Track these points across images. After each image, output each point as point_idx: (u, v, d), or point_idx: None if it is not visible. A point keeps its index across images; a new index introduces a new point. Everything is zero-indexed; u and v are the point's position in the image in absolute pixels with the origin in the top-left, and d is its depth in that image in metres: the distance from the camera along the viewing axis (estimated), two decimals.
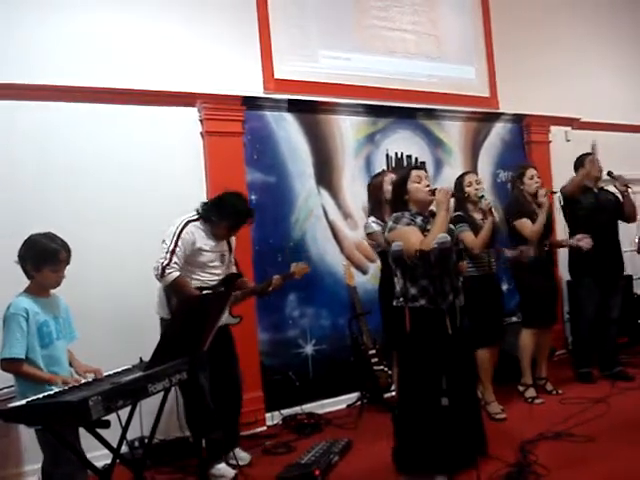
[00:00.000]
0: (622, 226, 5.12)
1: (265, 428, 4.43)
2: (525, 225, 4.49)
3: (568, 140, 6.20)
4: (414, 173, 3.37)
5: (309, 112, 4.92)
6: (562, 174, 5.19)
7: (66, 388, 2.42)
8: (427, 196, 3.31)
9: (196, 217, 3.61)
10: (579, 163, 4.97)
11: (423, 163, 5.38)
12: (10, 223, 3.60)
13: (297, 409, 4.60)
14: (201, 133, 4.46)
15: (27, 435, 3.21)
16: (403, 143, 5.39)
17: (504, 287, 4.72)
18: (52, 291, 2.85)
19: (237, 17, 4.68)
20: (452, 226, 3.64)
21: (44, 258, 2.73)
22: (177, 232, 3.49)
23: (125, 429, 2.61)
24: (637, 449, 3.36)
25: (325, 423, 4.41)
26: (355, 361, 4.83)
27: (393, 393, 4.58)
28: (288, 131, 4.82)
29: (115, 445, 2.51)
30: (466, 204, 4.27)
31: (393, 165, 5.27)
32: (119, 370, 2.69)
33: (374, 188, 4.24)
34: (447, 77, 5.71)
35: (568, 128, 6.27)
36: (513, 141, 6.05)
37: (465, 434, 3.19)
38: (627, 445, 3.43)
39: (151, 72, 4.29)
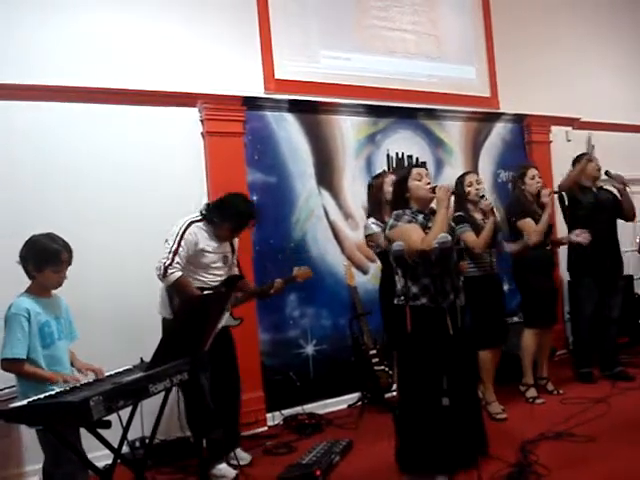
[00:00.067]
0: (623, 226, 5.12)
1: (266, 428, 4.44)
2: (528, 225, 4.49)
3: (569, 140, 6.21)
4: (415, 171, 3.37)
5: (310, 112, 4.92)
6: (563, 174, 5.18)
7: (67, 388, 2.41)
8: (428, 194, 3.31)
9: (199, 218, 3.62)
10: (577, 163, 4.98)
11: (424, 163, 5.38)
12: (10, 223, 3.61)
13: (298, 409, 4.60)
14: (202, 133, 4.46)
15: (28, 435, 3.21)
16: (404, 143, 5.39)
17: (505, 287, 4.71)
18: (53, 291, 2.85)
19: (237, 17, 4.68)
20: (453, 224, 3.64)
21: (46, 259, 2.73)
22: (180, 232, 3.50)
23: (126, 429, 2.61)
24: (638, 449, 3.36)
25: (326, 423, 4.41)
26: (356, 361, 4.83)
27: (394, 393, 4.58)
28: (289, 131, 4.82)
29: (116, 445, 2.51)
30: (466, 204, 4.27)
31: (394, 165, 5.27)
32: (120, 370, 2.69)
33: (374, 189, 4.23)
34: (447, 77, 5.71)
35: (569, 128, 6.27)
36: (514, 141, 6.05)
37: (466, 434, 3.18)
38: (628, 445, 3.43)
39: (152, 73, 4.29)
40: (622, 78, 6.89)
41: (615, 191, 4.96)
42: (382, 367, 4.75)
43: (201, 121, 4.45)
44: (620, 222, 5.04)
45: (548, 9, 6.34)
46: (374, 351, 4.76)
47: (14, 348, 2.62)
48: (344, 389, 4.86)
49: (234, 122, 4.52)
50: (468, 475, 3.08)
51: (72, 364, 2.88)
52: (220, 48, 4.59)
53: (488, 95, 5.96)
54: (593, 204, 4.83)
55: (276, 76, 4.81)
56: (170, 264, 3.42)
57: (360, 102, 5.15)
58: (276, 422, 4.52)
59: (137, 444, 3.60)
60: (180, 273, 3.44)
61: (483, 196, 4.21)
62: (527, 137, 6.10)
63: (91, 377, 2.72)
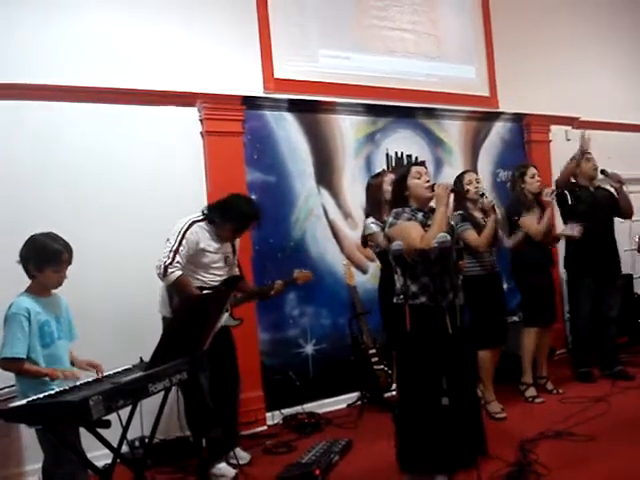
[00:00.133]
0: (619, 225, 5.13)
1: (265, 428, 4.44)
2: (531, 224, 4.49)
3: (568, 139, 6.19)
4: (414, 169, 3.37)
5: (309, 112, 4.92)
6: None
7: (67, 387, 2.42)
8: (427, 192, 3.31)
9: (201, 218, 3.62)
10: (578, 165, 4.98)
11: (423, 162, 5.37)
12: (10, 220, 3.63)
13: (297, 409, 4.60)
14: (201, 133, 4.46)
15: (28, 435, 3.21)
16: (403, 143, 5.39)
17: (504, 286, 4.71)
18: (53, 291, 2.85)
19: (237, 17, 4.68)
20: (452, 222, 3.64)
21: (46, 258, 2.73)
22: (182, 232, 3.50)
23: (125, 429, 2.61)
24: (637, 448, 3.37)
25: (325, 423, 4.41)
26: (355, 361, 4.84)
27: (393, 393, 4.58)
28: (288, 131, 4.82)
29: (116, 445, 2.51)
30: (466, 203, 4.27)
31: (393, 164, 5.27)
32: (119, 370, 2.69)
33: (373, 188, 4.22)
34: (447, 76, 5.71)
35: (568, 127, 6.27)
36: (513, 140, 6.05)
37: (465, 434, 3.18)
38: (627, 444, 3.43)
39: (152, 72, 4.29)
40: (622, 78, 6.89)
41: (612, 190, 4.97)
42: (381, 366, 4.75)
43: (200, 120, 4.45)
44: (616, 221, 5.04)
45: (548, 9, 6.34)
46: (373, 350, 4.77)
47: (14, 347, 2.62)
48: (343, 388, 4.86)
49: (233, 121, 4.52)
50: (468, 475, 3.08)
51: (73, 365, 2.87)
52: (219, 48, 4.59)
53: (487, 94, 5.96)
54: (590, 203, 4.83)
55: (275, 75, 4.81)
56: (170, 263, 3.42)
57: (359, 101, 5.15)
58: (275, 421, 4.53)
59: (137, 444, 3.59)
60: (180, 272, 3.44)
61: (483, 194, 4.21)
62: (526, 136, 6.10)
63: (92, 373, 2.71)
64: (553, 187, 4.91)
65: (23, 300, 2.71)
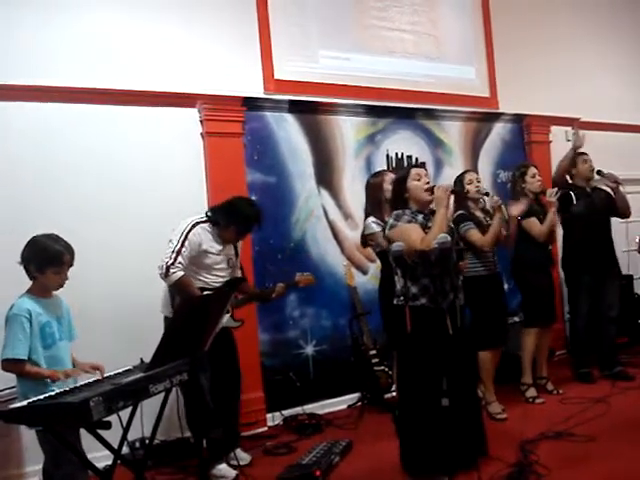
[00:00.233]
0: (620, 226, 5.14)
1: (266, 428, 4.44)
2: (533, 225, 4.50)
3: (568, 140, 6.17)
4: (414, 171, 3.38)
5: (309, 112, 4.92)
6: None
7: (67, 389, 2.42)
8: (427, 194, 3.32)
9: (204, 219, 3.63)
10: (572, 163, 4.99)
11: (423, 163, 5.38)
12: (10, 220, 3.64)
13: (298, 409, 4.60)
14: (201, 134, 4.46)
15: (28, 436, 3.21)
16: (403, 143, 5.39)
17: (505, 286, 4.70)
18: (54, 292, 2.85)
19: (237, 18, 4.68)
20: (452, 224, 3.64)
21: (48, 260, 2.73)
22: (184, 232, 3.51)
23: (126, 430, 2.61)
24: (637, 449, 3.37)
25: (326, 424, 4.41)
26: (356, 361, 4.83)
27: (394, 393, 4.58)
28: (288, 131, 4.82)
29: (116, 446, 2.51)
30: (467, 202, 4.26)
31: (393, 165, 5.27)
32: (120, 371, 2.69)
33: (373, 188, 4.20)
34: (447, 77, 5.71)
35: (569, 128, 6.25)
36: (513, 141, 6.05)
37: (465, 435, 3.19)
38: (628, 445, 3.43)
39: (152, 73, 4.29)
40: (622, 78, 6.89)
41: (609, 190, 4.97)
42: (382, 367, 4.75)
43: (201, 121, 4.45)
44: (613, 222, 5.05)
45: (548, 9, 6.34)
46: (374, 351, 4.76)
47: (15, 349, 2.62)
48: (344, 389, 4.86)
49: (234, 122, 4.52)
50: (468, 476, 3.09)
51: (73, 366, 2.87)
52: (220, 49, 4.60)
53: (487, 95, 5.96)
54: (587, 204, 4.84)
55: (275, 76, 4.81)
56: (172, 263, 3.43)
57: (359, 102, 5.15)
58: (276, 422, 4.52)
59: (137, 445, 3.60)
60: (182, 273, 3.45)
61: (488, 193, 4.22)
62: (527, 137, 6.10)
63: (98, 375, 2.71)
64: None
65: (24, 301, 2.72)
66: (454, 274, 3.30)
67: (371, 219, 4.09)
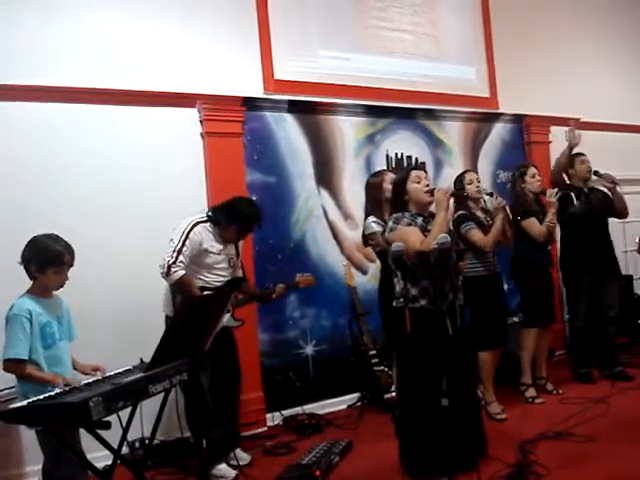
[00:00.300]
0: (617, 227, 5.13)
1: (266, 429, 4.44)
2: (533, 225, 4.50)
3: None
4: (413, 174, 3.37)
5: (309, 113, 4.92)
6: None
7: (67, 389, 2.42)
8: (426, 196, 3.32)
9: (205, 219, 3.64)
10: (569, 164, 5.00)
11: (423, 163, 5.39)
12: (10, 220, 3.64)
13: (298, 409, 4.60)
14: (201, 134, 4.46)
15: (28, 436, 3.21)
16: (403, 143, 5.39)
17: (505, 287, 4.70)
18: (54, 292, 2.85)
19: (237, 18, 4.68)
20: (452, 227, 3.64)
21: (48, 260, 2.73)
22: (185, 232, 3.52)
23: (126, 430, 2.61)
24: (637, 449, 3.36)
25: (325, 424, 4.41)
26: (355, 361, 4.83)
27: (393, 394, 4.58)
28: (288, 132, 4.83)
29: (116, 446, 2.51)
30: (467, 202, 4.26)
31: (393, 165, 5.27)
32: (120, 371, 2.69)
33: (373, 187, 4.19)
34: (446, 77, 5.71)
35: (580, 132, 6.25)
36: (513, 141, 6.05)
37: (465, 435, 3.19)
38: (627, 445, 3.43)
39: (152, 73, 4.30)
40: (622, 78, 6.89)
41: (606, 190, 4.97)
42: (382, 367, 4.75)
43: (200, 121, 4.45)
44: (611, 222, 5.05)
45: (548, 9, 6.34)
46: (374, 351, 4.76)
47: (16, 348, 2.62)
48: (344, 389, 4.86)
49: (233, 122, 4.53)
50: (467, 476, 3.08)
51: (74, 367, 2.88)
52: (219, 49, 4.60)
53: (487, 95, 5.96)
54: (585, 204, 4.84)
55: (275, 76, 4.81)
56: (174, 262, 3.44)
57: (359, 102, 5.16)
58: (276, 422, 4.52)
59: (137, 445, 3.60)
60: (183, 272, 3.46)
61: (492, 194, 4.21)
62: (526, 137, 6.10)
63: (98, 375, 2.71)
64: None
65: (24, 301, 2.72)
66: (454, 275, 3.30)
67: (371, 219, 4.09)
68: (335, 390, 4.84)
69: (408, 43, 5.54)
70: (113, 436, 2.38)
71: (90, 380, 2.60)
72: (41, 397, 2.31)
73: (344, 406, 4.84)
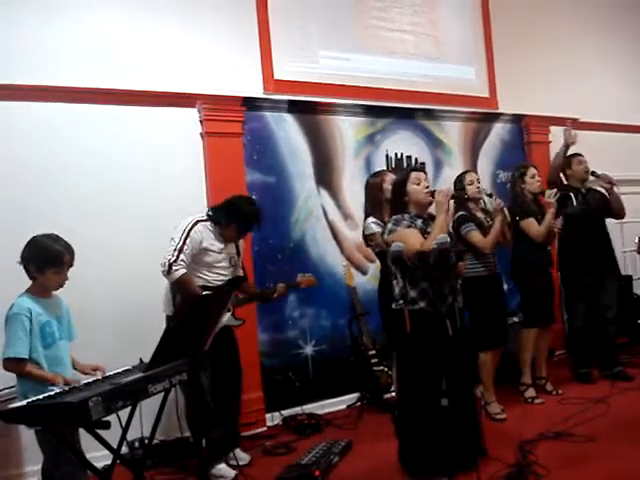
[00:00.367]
0: (615, 227, 5.13)
1: (265, 429, 4.44)
2: (531, 225, 4.50)
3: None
4: (413, 175, 3.37)
5: (309, 113, 4.92)
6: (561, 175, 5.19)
7: (67, 389, 2.42)
8: (426, 198, 3.31)
9: (205, 218, 3.65)
10: (566, 164, 5.01)
11: (423, 164, 5.39)
12: (10, 220, 3.64)
13: (297, 409, 4.60)
14: (201, 134, 4.46)
15: (28, 436, 3.21)
16: (403, 144, 5.39)
17: (504, 287, 4.70)
18: (53, 292, 2.85)
19: (237, 18, 4.68)
20: (451, 229, 3.64)
21: (48, 260, 2.73)
22: (186, 230, 3.54)
23: (125, 430, 2.61)
24: (637, 449, 3.36)
25: (325, 424, 4.41)
26: (355, 361, 4.84)
27: (393, 394, 4.58)
28: (288, 132, 4.83)
29: (115, 446, 2.51)
30: (467, 203, 4.26)
31: (393, 166, 5.28)
32: (119, 371, 2.69)
33: (373, 188, 4.17)
34: (446, 77, 5.71)
35: (577, 131, 6.25)
36: (513, 141, 6.06)
37: (464, 435, 3.19)
38: (627, 445, 3.43)
39: (152, 73, 4.30)
40: (622, 78, 6.89)
41: (603, 191, 4.96)
42: (381, 367, 4.75)
43: (200, 121, 4.45)
44: (609, 223, 5.06)
45: (547, 10, 6.35)
46: (373, 351, 4.76)
47: (16, 347, 2.62)
48: (343, 389, 4.86)
49: (233, 122, 4.53)
50: (467, 476, 3.08)
51: (74, 367, 2.88)
52: (219, 49, 4.60)
53: (487, 95, 5.97)
54: (582, 205, 4.84)
55: (275, 76, 4.81)
56: (175, 261, 3.45)
57: (359, 102, 5.16)
58: (275, 422, 4.52)
59: (136, 444, 3.60)
60: (184, 270, 3.47)
61: (491, 195, 4.21)
62: (526, 137, 6.11)
63: (98, 375, 2.71)
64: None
65: (24, 300, 2.72)
66: (453, 277, 3.30)
67: (371, 219, 4.09)
68: (335, 390, 4.84)
69: (408, 43, 5.54)
70: (113, 436, 2.38)
71: (90, 380, 2.60)
72: (40, 397, 2.31)
73: (344, 406, 4.84)
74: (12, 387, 2.88)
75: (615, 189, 4.90)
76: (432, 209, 3.40)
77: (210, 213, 3.69)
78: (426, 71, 5.60)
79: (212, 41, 4.57)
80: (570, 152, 5.00)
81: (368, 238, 4.12)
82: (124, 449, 2.66)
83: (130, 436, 2.81)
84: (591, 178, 4.97)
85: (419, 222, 3.28)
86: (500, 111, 5.97)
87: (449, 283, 3.23)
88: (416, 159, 5.43)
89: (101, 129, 4.08)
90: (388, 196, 3.89)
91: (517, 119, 6.03)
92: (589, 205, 4.87)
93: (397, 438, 3.31)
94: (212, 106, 4.43)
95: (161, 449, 3.82)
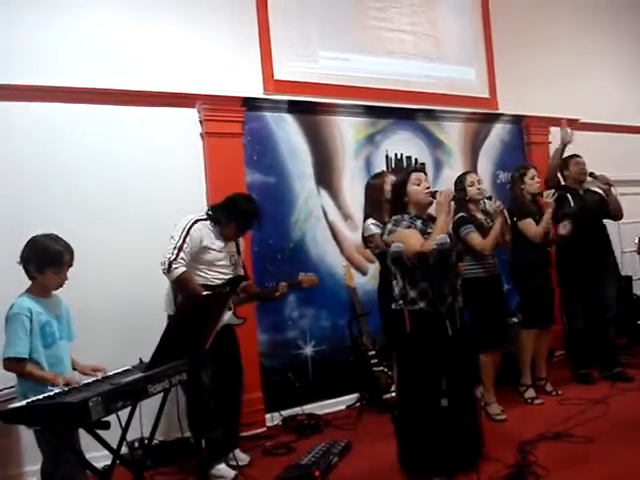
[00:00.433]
0: (612, 228, 5.14)
1: (265, 429, 4.44)
2: (529, 226, 4.49)
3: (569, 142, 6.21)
4: (414, 176, 3.37)
5: (309, 113, 4.93)
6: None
7: (67, 389, 2.42)
8: (427, 198, 3.32)
9: (205, 217, 3.66)
10: (564, 165, 5.01)
11: (423, 164, 5.39)
12: (10, 220, 3.65)
13: (297, 410, 4.60)
14: (201, 134, 4.47)
15: (28, 436, 3.20)
16: (403, 144, 5.39)
17: (504, 288, 4.70)
18: (53, 292, 2.85)
19: (237, 18, 4.69)
20: (451, 231, 3.63)
21: (47, 260, 2.73)
22: (186, 228, 3.54)
23: (125, 430, 2.61)
24: (637, 449, 3.36)
25: (325, 424, 4.41)
26: (355, 362, 4.83)
27: (393, 394, 4.58)
28: (288, 132, 4.83)
29: (115, 446, 2.51)
30: (467, 204, 4.25)
31: (393, 166, 5.28)
32: (119, 371, 2.69)
33: (374, 189, 4.17)
34: (446, 78, 5.71)
35: (573, 130, 6.26)
36: (513, 142, 6.06)
37: (464, 435, 3.19)
38: (627, 445, 3.43)
39: (152, 73, 4.30)
40: (622, 79, 6.90)
41: (601, 192, 4.96)
42: (381, 368, 4.75)
43: (200, 122, 4.46)
44: (608, 223, 5.06)
45: (547, 10, 6.35)
46: (373, 352, 4.76)
47: (16, 347, 2.62)
48: (343, 390, 4.86)
49: (233, 123, 4.53)
50: (467, 476, 3.08)
51: (74, 368, 2.88)
52: (219, 49, 4.60)
53: (487, 96, 5.97)
54: (580, 206, 4.84)
55: (275, 77, 4.81)
56: (175, 259, 3.45)
57: (359, 103, 5.16)
58: (275, 423, 4.52)
59: (136, 445, 3.60)
60: (184, 269, 3.47)
61: (490, 197, 4.21)
62: (526, 138, 6.11)
63: (99, 376, 2.71)
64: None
65: (24, 300, 2.72)
66: (453, 277, 3.30)
67: (370, 221, 4.08)
68: (334, 390, 4.83)
69: (408, 43, 5.54)
70: (112, 436, 2.38)
71: (89, 380, 2.60)
72: (40, 397, 2.31)
73: (343, 406, 4.83)
74: (12, 387, 2.88)
75: (613, 190, 4.90)
76: (431, 210, 3.40)
77: (209, 212, 3.69)
78: (426, 71, 5.60)
79: (212, 41, 4.57)
80: (569, 152, 5.01)
81: (367, 239, 4.12)
82: (124, 449, 2.66)
83: (130, 436, 2.81)
84: (589, 179, 4.96)
85: (419, 223, 3.28)
86: (500, 112, 5.97)
87: (449, 283, 3.23)
88: (416, 159, 5.43)
89: (101, 129, 4.09)
90: (389, 197, 3.89)
91: (517, 120, 6.03)
92: (586, 206, 4.86)
93: (397, 438, 3.31)
94: (212, 106, 4.43)
95: (161, 449, 3.82)
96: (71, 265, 2.80)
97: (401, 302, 3.20)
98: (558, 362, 5.43)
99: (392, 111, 5.31)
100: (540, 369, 4.72)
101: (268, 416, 4.52)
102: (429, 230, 3.24)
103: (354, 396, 4.86)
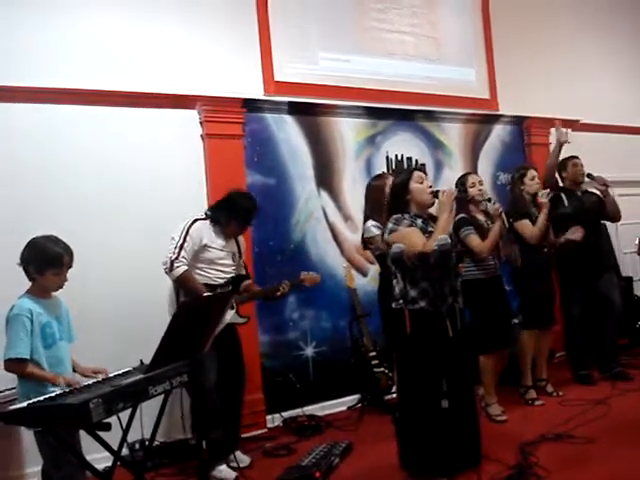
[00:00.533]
0: (610, 228, 5.13)
1: (265, 430, 4.43)
2: (525, 226, 4.49)
3: (568, 142, 6.20)
4: (416, 174, 3.36)
5: (309, 114, 4.93)
6: None
7: (67, 390, 2.41)
8: (429, 197, 3.31)
9: (204, 217, 3.68)
10: (562, 166, 5.01)
11: (423, 165, 5.39)
12: (10, 220, 3.65)
13: (298, 411, 4.59)
14: (201, 135, 4.47)
15: (29, 437, 3.20)
16: (403, 145, 5.39)
17: (506, 289, 4.69)
18: (53, 293, 2.85)
19: (237, 19, 4.69)
20: (451, 231, 3.63)
21: (47, 262, 2.74)
22: (186, 228, 3.57)
23: (126, 431, 2.61)
24: (638, 450, 3.35)
25: (325, 425, 4.40)
26: (355, 363, 4.83)
27: (394, 395, 4.57)
28: (288, 133, 4.83)
29: (116, 447, 2.51)
30: (468, 205, 4.25)
31: (393, 167, 5.28)
32: (120, 372, 2.69)
33: (375, 190, 4.15)
34: (446, 79, 5.71)
35: (568, 130, 6.26)
36: (513, 143, 6.06)
37: (464, 436, 3.18)
38: (628, 446, 3.42)
39: (152, 75, 4.30)
40: (622, 80, 6.90)
41: (599, 193, 4.96)
42: (382, 369, 4.74)
43: (201, 123, 4.46)
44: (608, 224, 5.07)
45: (547, 11, 6.35)
46: (374, 353, 4.76)
47: (17, 348, 2.63)
48: (344, 391, 4.86)
49: (233, 124, 4.53)
50: (467, 477, 3.08)
51: (75, 370, 2.87)
52: (220, 50, 4.60)
53: (487, 97, 5.97)
54: (577, 208, 4.83)
55: (275, 78, 4.82)
56: (176, 258, 3.47)
57: (359, 104, 5.16)
58: (276, 424, 4.52)
59: (137, 446, 3.60)
60: (186, 267, 3.49)
61: (490, 199, 4.20)
62: (526, 139, 6.11)
63: (100, 378, 2.71)
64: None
65: (24, 301, 2.72)
66: (453, 277, 3.29)
67: (370, 222, 4.06)
68: (335, 392, 4.83)
69: (408, 45, 5.55)
70: (113, 437, 2.38)
71: (90, 381, 2.60)
72: (41, 398, 2.31)
73: (344, 407, 4.83)
74: (13, 389, 2.88)
75: (610, 192, 4.89)
76: (433, 210, 3.40)
77: (208, 212, 3.71)
78: (426, 72, 5.60)
79: (212, 43, 4.58)
80: (567, 153, 5.01)
81: (368, 241, 4.10)
82: (124, 451, 2.65)
83: (130, 438, 2.80)
84: (587, 180, 4.96)
85: (419, 222, 3.27)
86: (500, 113, 5.97)
87: (449, 283, 3.22)
88: (416, 161, 5.43)
89: (101, 130, 4.09)
90: None
91: (517, 121, 6.03)
92: (584, 207, 4.86)
93: (397, 439, 3.31)
94: (212, 108, 4.43)
95: (161, 451, 3.82)
96: (71, 266, 2.81)
97: (401, 301, 3.19)
98: (559, 363, 5.42)
99: (392, 112, 5.31)
100: (541, 370, 4.72)
101: (269, 417, 4.52)
102: (430, 229, 3.23)
103: (355, 397, 4.86)
